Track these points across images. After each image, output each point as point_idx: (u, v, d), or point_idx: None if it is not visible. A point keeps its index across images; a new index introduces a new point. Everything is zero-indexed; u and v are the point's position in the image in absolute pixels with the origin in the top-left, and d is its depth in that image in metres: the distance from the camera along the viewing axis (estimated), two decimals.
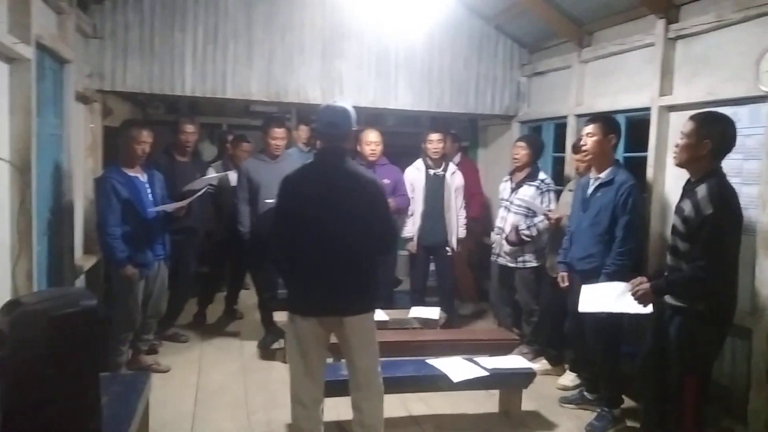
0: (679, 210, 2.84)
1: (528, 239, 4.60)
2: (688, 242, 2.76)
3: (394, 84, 5.58)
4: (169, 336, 4.95)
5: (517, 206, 4.67)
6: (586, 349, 3.79)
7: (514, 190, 4.74)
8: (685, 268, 2.77)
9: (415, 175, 5.14)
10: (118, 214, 3.90)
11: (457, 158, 6.03)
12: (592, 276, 3.52)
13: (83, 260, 4.68)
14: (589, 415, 3.74)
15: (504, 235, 4.71)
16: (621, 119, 4.50)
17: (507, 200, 4.78)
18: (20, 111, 3.21)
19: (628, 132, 4.47)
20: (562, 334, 4.19)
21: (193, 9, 5.06)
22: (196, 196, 4.29)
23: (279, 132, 4.73)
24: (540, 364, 4.46)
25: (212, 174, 5.14)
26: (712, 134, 2.74)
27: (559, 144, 5.34)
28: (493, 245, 4.88)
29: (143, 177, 4.11)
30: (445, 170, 5.09)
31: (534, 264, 4.67)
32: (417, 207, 5.08)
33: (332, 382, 2.98)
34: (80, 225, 4.71)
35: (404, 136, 8.95)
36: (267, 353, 4.71)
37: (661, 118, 4.04)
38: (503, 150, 6.16)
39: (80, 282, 4.63)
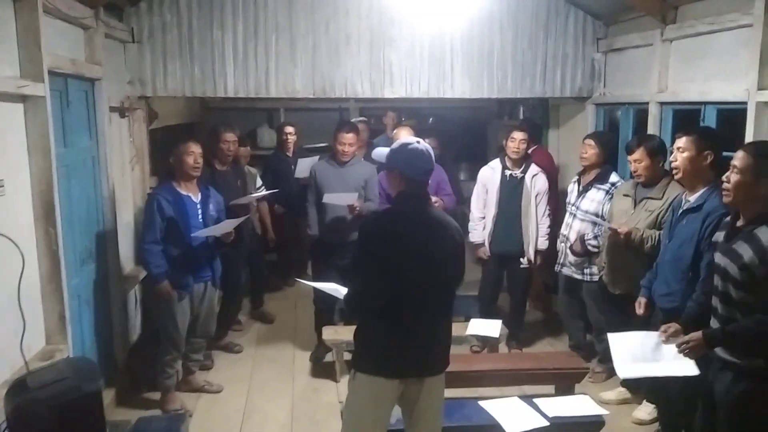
0: (732, 254, 2.37)
1: (595, 250, 4.10)
2: (747, 292, 2.34)
3: (450, 71, 5.07)
4: (223, 346, 4.88)
5: (584, 212, 4.17)
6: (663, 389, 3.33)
7: (581, 193, 4.23)
8: (743, 319, 2.37)
9: (489, 176, 4.62)
10: (158, 232, 3.73)
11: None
12: (674, 316, 2.97)
13: (136, 271, 4.63)
14: None
15: (568, 244, 4.25)
16: (711, 112, 3.89)
17: (573, 204, 4.28)
18: (38, 150, 3.06)
19: (720, 126, 3.84)
20: None
21: (231, 4, 4.75)
22: (240, 220, 4.16)
23: (348, 137, 4.43)
24: (615, 392, 4.02)
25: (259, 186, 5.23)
26: None
27: (640, 133, 4.69)
28: (558, 253, 4.41)
29: (196, 197, 3.89)
30: (524, 172, 4.55)
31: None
32: (489, 210, 4.60)
33: None
34: (131, 237, 4.66)
35: (470, 110, 8.49)
36: (318, 368, 4.54)
37: (760, 116, 3.38)
38: (577, 131, 5.56)
39: (132, 297, 4.61)
